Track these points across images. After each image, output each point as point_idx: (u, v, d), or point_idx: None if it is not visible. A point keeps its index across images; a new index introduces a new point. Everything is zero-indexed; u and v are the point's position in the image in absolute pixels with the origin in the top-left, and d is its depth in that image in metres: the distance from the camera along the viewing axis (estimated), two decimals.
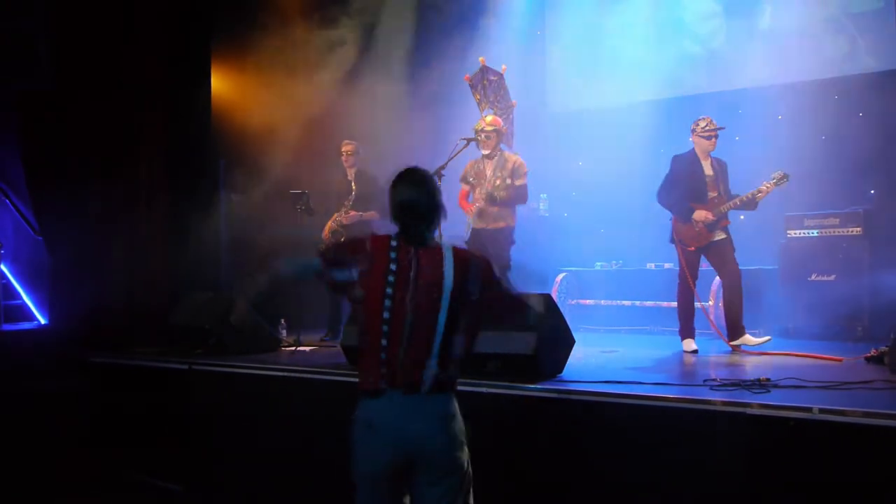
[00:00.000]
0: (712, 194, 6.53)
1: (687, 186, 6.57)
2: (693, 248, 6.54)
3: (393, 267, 3.01)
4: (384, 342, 2.98)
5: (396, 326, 2.99)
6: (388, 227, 3.22)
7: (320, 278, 3.15)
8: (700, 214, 6.47)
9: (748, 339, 6.38)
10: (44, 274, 7.94)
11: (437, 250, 3.09)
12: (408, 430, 2.96)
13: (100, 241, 7.68)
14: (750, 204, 6.44)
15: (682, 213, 6.56)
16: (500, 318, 3.35)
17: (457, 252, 3.12)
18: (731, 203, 6.44)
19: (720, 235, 6.50)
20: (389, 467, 3.00)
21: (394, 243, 3.07)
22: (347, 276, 3.08)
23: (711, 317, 6.99)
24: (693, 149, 6.64)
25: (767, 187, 6.34)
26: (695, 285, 6.62)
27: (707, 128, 6.51)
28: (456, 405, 3.09)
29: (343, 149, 7.75)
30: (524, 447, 4.48)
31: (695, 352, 6.40)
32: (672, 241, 6.67)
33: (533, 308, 3.44)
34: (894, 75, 8.15)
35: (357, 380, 3.12)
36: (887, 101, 7.91)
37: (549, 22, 10.67)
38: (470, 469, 3.11)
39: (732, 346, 6.43)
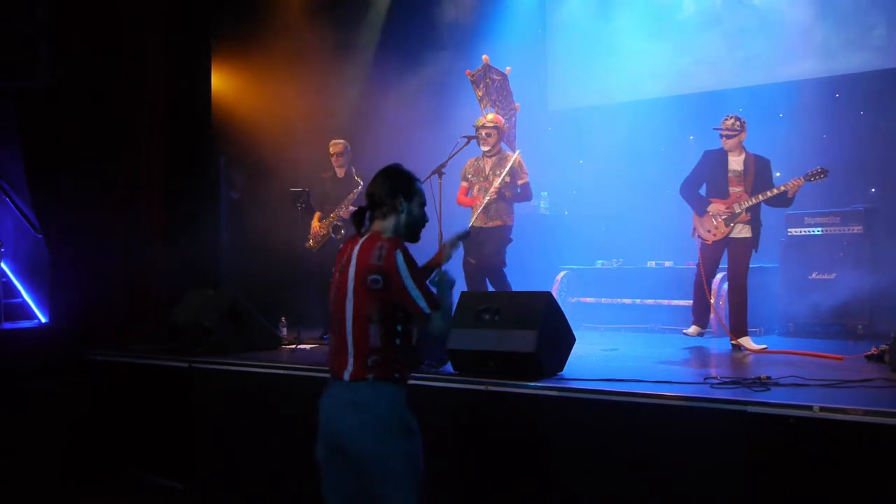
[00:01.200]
0: (736, 189, 6.48)
1: (708, 181, 6.62)
2: (710, 242, 6.53)
3: (343, 260, 3.27)
4: (327, 335, 3.20)
5: (331, 317, 3.26)
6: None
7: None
8: (714, 208, 6.49)
9: (747, 341, 6.37)
10: (44, 272, 7.93)
11: (365, 240, 3.25)
12: (329, 417, 3.18)
13: (100, 240, 7.67)
14: (781, 199, 6.41)
15: (698, 207, 6.59)
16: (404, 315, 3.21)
17: (371, 239, 3.23)
18: (753, 199, 6.40)
19: (742, 233, 6.46)
20: (323, 452, 3.21)
21: (359, 240, 3.29)
22: None
23: (713, 314, 6.98)
24: (722, 147, 6.64)
25: (797, 183, 6.31)
26: (709, 281, 6.62)
27: (723, 125, 6.54)
28: (389, 396, 3.13)
29: (332, 149, 7.71)
30: (525, 446, 4.48)
31: (700, 334, 6.67)
32: (693, 236, 6.72)
33: (434, 317, 3.23)
34: (895, 74, 8.15)
35: None
36: (888, 99, 7.92)
37: (549, 20, 10.67)
38: (407, 466, 3.10)
39: (733, 344, 6.43)
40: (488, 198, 6.73)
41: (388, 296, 3.14)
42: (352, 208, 7.59)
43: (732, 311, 6.54)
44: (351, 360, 3.12)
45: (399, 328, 3.19)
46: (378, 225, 3.28)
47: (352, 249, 3.24)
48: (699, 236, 6.63)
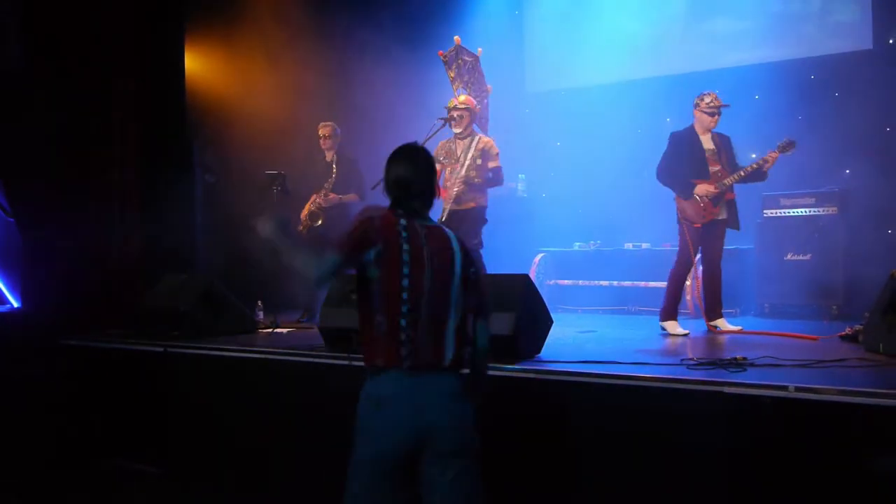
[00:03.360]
0: (714, 168, 6.41)
1: (687, 162, 6.44)
2: (699, 224, 6.36)
3: (406, 247, 2.98)
4: (403, 322, 2.95)
5: (414, 306, 2.97)
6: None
7: (339, 273, 3.06)
8: (702, 188, 6.35)
9: (723, 322, 6.40)
10: (16, 256, 7.83)
11: (441, 230, 3.14)
12: (421, 408, 2.93)
13: (73, 223, 7.57)
14: (758, 175, 6.36)
15: (684, 190, 6.41)
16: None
17: (455, 234, 3.18)
18: (735, 175, 6.34)
19: (722, 214, 6.42)
20: (397, 451, 2.92)
21: (403, 222, 3.04)
22: (363, 261, 3.00)
23: (690, 295, 7.00)
24: (692, 125, 6.54)
25: (773, 156, 6.27)
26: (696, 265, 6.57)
27: (711, 104, 6.42)
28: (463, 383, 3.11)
29: (320, 131, 7.65)
30: (502, 428, 4.47)
31: (686, 334, 6.25)
32: (678, 220, 6.46)
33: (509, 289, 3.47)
34: (870, 55, 8.20)
35: (362, 359, 3.06)
36: (863, 81, 7.96)
37: (526, 1, 10.62)
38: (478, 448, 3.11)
39: (709, 326, 6.45)
40: (457, 189, 6.67)
41: (478, 286, 3.18)
42: (332, 196, 7.53)
43: (709, 294, 6.49)
44: (451, 350, 3.03)
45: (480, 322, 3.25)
46: (427, 213, 3.19)
47: (429, 240, 3.05)
48: (686, 219, 6.39)
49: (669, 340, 6.07)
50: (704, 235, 6.44)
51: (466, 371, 3.16)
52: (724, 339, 6.03)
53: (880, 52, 8.16)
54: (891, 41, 8.18)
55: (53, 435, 6.42)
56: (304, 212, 7.59)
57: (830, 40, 8.43)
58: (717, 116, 6.45)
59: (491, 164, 6.72)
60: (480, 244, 6.75)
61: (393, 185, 3.12)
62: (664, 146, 6.69)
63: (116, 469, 6.16)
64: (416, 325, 2.97)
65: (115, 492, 5.82)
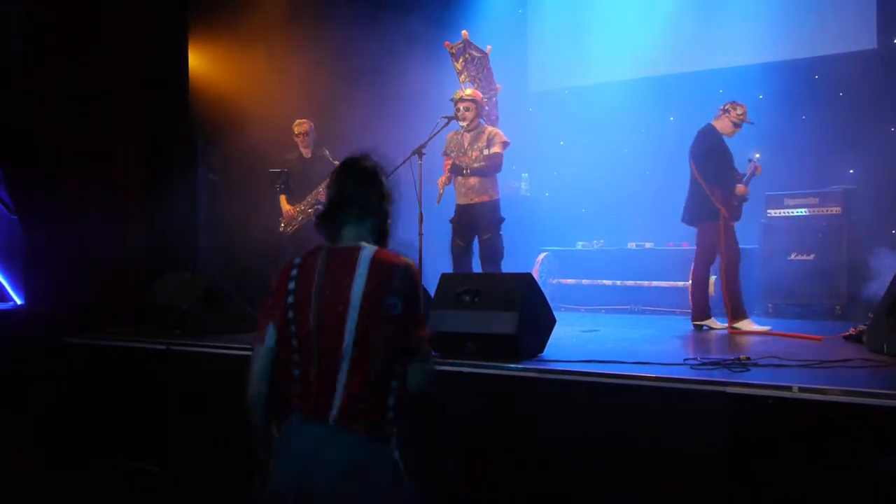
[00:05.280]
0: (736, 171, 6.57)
1: (730, 161, 6.54)
2: (733, 223, 6.48)
3: (291, 286, 2.64)
4: (296, 372, 2.61)
5: (305, 349, 2.60)
6: None
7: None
8: (740, 189, 6.48)
9: (749, 324, 6.36)
10: (19, 254, 7.83)
11: (352, 253, 2.63)
12: (309, 469, 2.53)
13: (76, 221, 7.56)
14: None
15: (732, 188, 6.48)
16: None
17: (379, 257, 2.63)
18: (745, 180, 6.49)
19: None
20: (289, 501, 2.57)
21: (297, 260, 2.70)
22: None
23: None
24: (714, 125, 6.57)
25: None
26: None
27: (741, 115, 6.49)
28: (387, 455, 2.59)
29: (296, 129, 7.65)
30: (504, 427, 4.47)
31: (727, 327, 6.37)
32: (717, 217, 6.39)
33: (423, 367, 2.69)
34: (874, 55, 8.18)
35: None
36: (867, 80, 7.95)
37: (530, 0, 10.61)
38: None
39: (735, 327, 6.40)
40: (472, 181, 6.66)
41: (402, 326, 2.61)
42: (307, 201, 7.51)
43: (735, 296, 6.41)
44: (339, 402, 2.53)
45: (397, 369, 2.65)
46: (352, 231, 2.70)
47: (327, 268, 2.63)
48: (731, 217, 6.44)
49: (672, 340, 6.06)
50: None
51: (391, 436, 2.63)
52: (727, 338, 6.02)
53: (884, 52, 8.15)
54: (895, 41, 8.16)
55: (54, 434, 6.42)
56: (289, 209, 7.56)
57: (834, 40, 8.42)
58: (739, 129, 6.50)
59: (492, 150, 6.71)
60: (503, 247, 6.72)
61: (329, 197, 2.77)
62: (668, 145, 6.69)
63: (117, 468, 6.15)
64: (308, 374, 2.59)
65: (115, 491, 5.81)
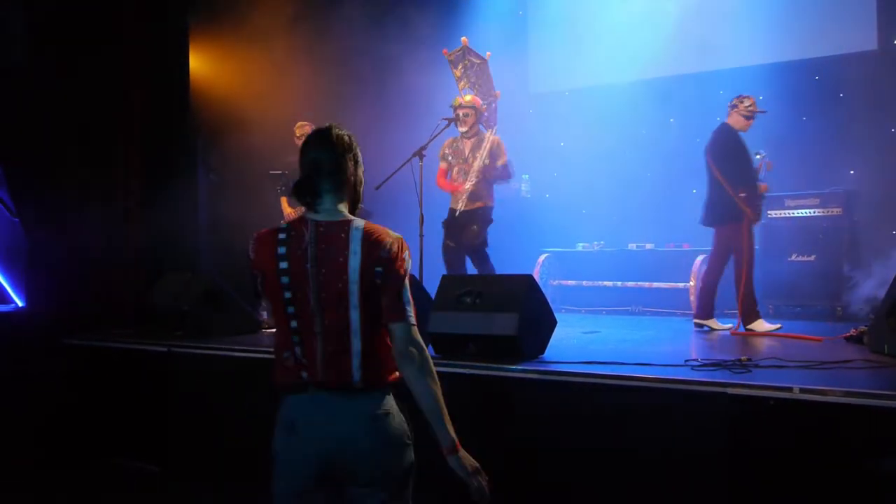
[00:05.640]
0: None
1: (751, 161, 6.51)
2: (755, 223, 6.47)
3: (283, 265, 2.65)
4: (298, 351, 2.65)
5: (306, 327, 2.65)
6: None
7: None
8: (763, 187, 6.48)
9: (762, 324, 6.34)
10: (21, 255, 7.82)
11: (342, 226, 2.65)
12: (330, 434, 2.61)
13: (77, 222, 7.56)
14: None
15: (756, 188, 6.44)
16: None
17: (369, 230, 2.65)
18: (760, 177, 6.49)
19: None
20: (313, 479, 2.65)
21: (281, 236, 2.68)
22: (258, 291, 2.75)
23: (693, 295, 6.99)
24: (728, 123, 6.54)
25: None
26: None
27: (750, 107, 6.45)
28: (393, 403, 2.69)
29: (298, 132, 7.65)
30: (505, 428, 4.47)
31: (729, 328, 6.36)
32: (740, 217, 6.33)
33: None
34: (875, 56, 8.18)
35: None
36: (868, 81, 7.94)
37: (530, 2, 10.62)
38: (410, 476, 2.72)
39: (747, 330, 6.39)
40: (468, 184, 6.69)
41: (385, 290, 2.64)
42: None
43: (750, 297, 6.38)
44: (356, 368, 2.62)
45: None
46: (331, 201, 2.70)
47: (319, 242, 2.63)
48: (754, 217, 6.39)
49: (673, 341, 6.06)
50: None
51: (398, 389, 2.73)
52: (728, 339, 6.01)
53: (885, 53, 8.15)
54: (895, 42, 8.16)
55: (55, 434, 6.42)
56: (290, 212, 7.57)
57: (835, 41, 8.41)
58: (751, 121, 6.47)
59: (500, 162, 6.79)
60: (485, 243, 6.79)
61: (304, 167, 2.73)
62: (668, 146, 6.69)
63: (118, 469, 6.15)
64: (313, 347, 2.65)
65: (115, 491, 5.81)
